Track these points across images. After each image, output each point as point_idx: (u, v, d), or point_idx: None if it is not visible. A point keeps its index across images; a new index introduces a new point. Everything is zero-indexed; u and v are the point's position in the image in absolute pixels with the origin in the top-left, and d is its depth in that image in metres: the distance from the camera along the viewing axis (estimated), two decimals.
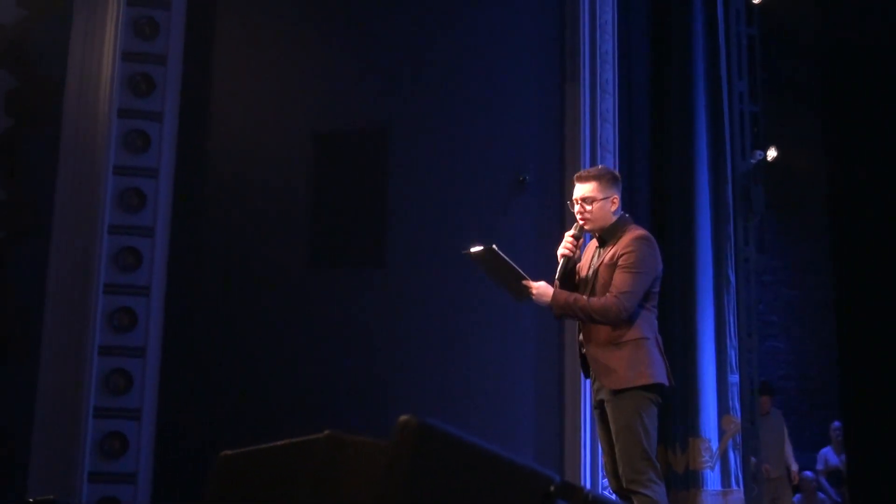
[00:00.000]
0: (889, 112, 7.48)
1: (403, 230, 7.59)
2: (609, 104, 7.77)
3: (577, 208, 5.00)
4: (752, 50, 8.60)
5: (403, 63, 7.77)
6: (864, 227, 7.66)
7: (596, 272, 4.93)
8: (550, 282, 4.97)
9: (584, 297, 4.86)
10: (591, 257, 5.06)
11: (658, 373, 4.82)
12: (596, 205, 4.94)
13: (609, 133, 7.73)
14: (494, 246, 4.88)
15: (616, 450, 4.81)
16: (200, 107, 7.77)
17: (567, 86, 7.79)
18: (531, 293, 4.89)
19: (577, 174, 5.12)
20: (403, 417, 2.47)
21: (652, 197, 8.11)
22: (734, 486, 7.81)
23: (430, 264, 7.48)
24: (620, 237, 4.91)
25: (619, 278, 4.81)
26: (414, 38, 7.83)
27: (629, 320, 4.83)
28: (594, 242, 5.11)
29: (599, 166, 5.12)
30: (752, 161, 8.49)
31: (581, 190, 4.99)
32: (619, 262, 4.84)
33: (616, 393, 4.80)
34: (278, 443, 3.08)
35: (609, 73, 7.81)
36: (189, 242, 7.60)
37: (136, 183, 7.48)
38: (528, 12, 7.90)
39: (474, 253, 4.92)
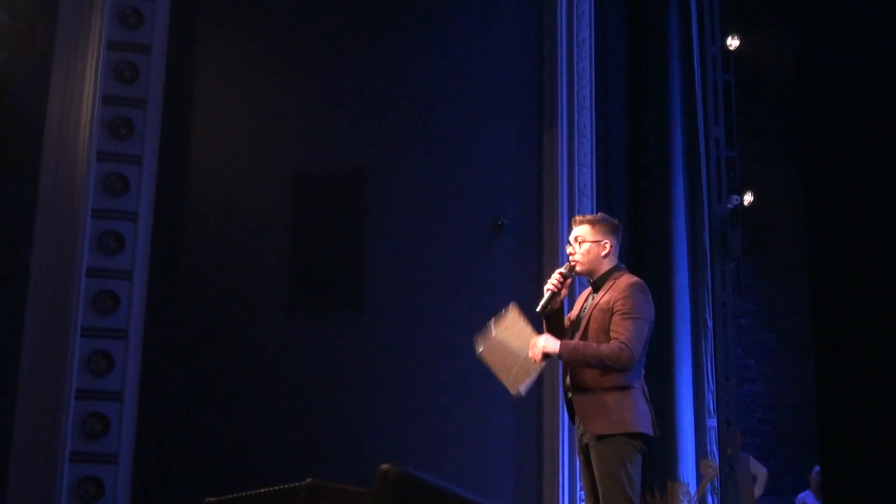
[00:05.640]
0: (867, 157, 7.54)
1: (382, 273, 7.60)
2: (587, 149, 7.83)
3: (569, 249, 5.08)
4: (728, 96, 8.69)
5: (382, 107, 7.82)
6: (842, 270, 7.70)
7: (589, 316, 4.95)
8: (532, 316, 4.99)
9: (593, 343, 4.86)
10: (583, 303, 5.09)
11: (643, 423, 4.82)
12: (585, 246, 5.02)
13: (587, 178, 7.78)
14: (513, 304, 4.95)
15: (599, 495, 4.81)
16: (180, 150, 7.79)
17: (545, 131, 7.85)
18: (537, 349, 4.87)
19: (576, 217, 5.22)
20: (384, 466, 2.48)
21: (629, 242, 8.14)
22: None
23: (409, 308, 7.49)
24: (613, 284, 4.95)
25: (622, 325, 4.81)
26: (393, 82, 7.88)
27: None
28: (588, 290, 5.14)
29: (600, 213, 5.19)
30: (729, 205, 8.55)
31: (575, 230, 5.09)
32: (616, 308, 4.85)
33: (600, 438, 4.81)
34: (262, 490, 3.08)
35: (587, 119, 7.88)
36: (167, 286, 7.59)
37: (115, 226, 7.48)
38: (507, 58, 7.97)
39: (488, 337, 4.97)
